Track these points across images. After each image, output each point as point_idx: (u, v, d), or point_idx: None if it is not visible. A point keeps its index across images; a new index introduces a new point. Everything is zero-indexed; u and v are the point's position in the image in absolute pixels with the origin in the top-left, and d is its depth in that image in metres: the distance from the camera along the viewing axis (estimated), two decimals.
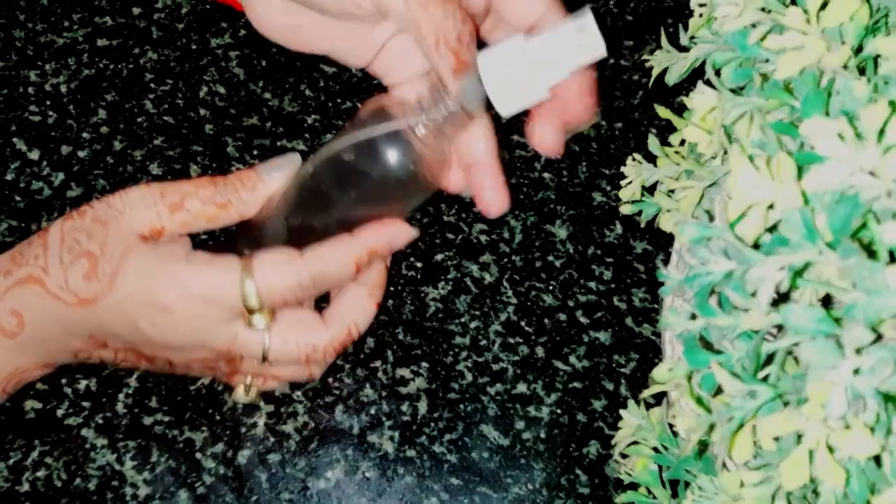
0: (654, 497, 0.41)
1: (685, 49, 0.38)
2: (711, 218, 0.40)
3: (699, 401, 0.32)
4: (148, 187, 0.46)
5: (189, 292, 0.44)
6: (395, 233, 0.48)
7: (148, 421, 0.53)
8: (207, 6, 0.68)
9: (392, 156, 0.44)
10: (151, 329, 0.45)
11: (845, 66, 0.31)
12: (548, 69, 0.42)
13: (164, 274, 0.44)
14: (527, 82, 0.42)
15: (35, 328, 0.46)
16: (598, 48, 0.41)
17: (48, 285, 0.44)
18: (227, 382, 0.52)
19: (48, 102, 0.63)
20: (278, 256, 0.45)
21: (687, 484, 0.39)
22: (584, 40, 0.41)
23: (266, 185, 0.48)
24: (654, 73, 0.41)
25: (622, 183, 0.44)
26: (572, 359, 0.56)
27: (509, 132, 0.63)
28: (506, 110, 0.43)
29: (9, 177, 0.61)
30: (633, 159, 0.43)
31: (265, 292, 0.45)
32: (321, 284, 0.46)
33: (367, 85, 0.65)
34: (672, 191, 0.42)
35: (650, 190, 0.44)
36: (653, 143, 0.42)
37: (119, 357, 0.48)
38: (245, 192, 0.47)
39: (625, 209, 0.44)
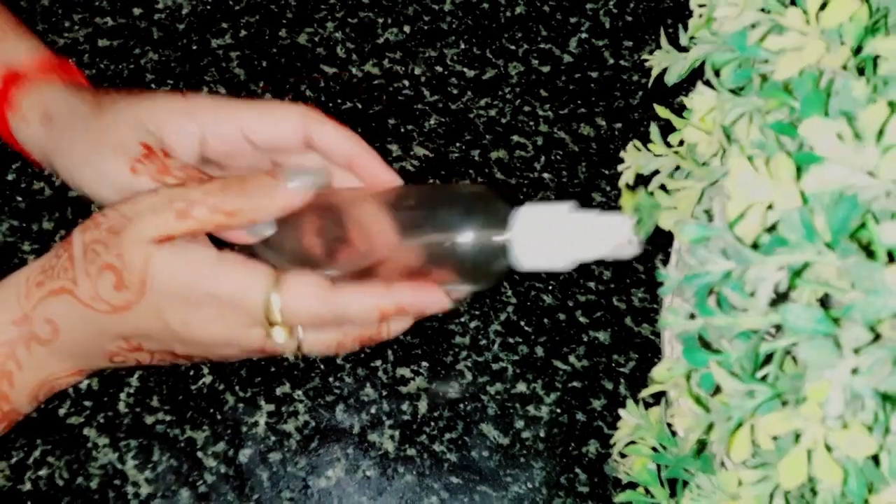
0: (653, 496, 0.41)
1: (685, 49, 0.38)
2: (710, 218, 0.40)
3: (698, 400, 0.32)
4: (156, 194, 0.45)
5: (219, 290, 0.44)
6: (431, 299, 0.46)
7: (149, 420, 0.54)
8: (208, 7, 0.68)
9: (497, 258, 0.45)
10: (184, 328, 0.45)
11: (844, 67, 0.31)
12: (578, 247, 0.45)
13: (193, 273, 0.44)
14: (552, 249, 0.45)
15: (69, 336, 0.46)
16: (631, 250, 0.44)
17: (79, 296, 0.45)
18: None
19: None
20: (310, 282, 0.44)
21: (685, 483, 0.39)
22: (622, 240, 0.44)
23: (285, 194, 0.45)
24: (654, 73, 0.41)
25: (620, 168, 0.43)
26: (572, 358, 0.56)
27: (509, 133, 0.63)
28: (524, 265, 0.45)
29: (10, 177, 0.61)
30: (634, 145, 0.43)
31: (287, 312, 0.44)
32: (340, 322, 0.46)
33: (367, 85, 0.65)
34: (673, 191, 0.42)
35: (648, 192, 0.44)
36: (654, 132, 0.42)
37: (155, 359, 0.48)
38: (259, 198, 0.45)
39: (624, 202, 0.44)
